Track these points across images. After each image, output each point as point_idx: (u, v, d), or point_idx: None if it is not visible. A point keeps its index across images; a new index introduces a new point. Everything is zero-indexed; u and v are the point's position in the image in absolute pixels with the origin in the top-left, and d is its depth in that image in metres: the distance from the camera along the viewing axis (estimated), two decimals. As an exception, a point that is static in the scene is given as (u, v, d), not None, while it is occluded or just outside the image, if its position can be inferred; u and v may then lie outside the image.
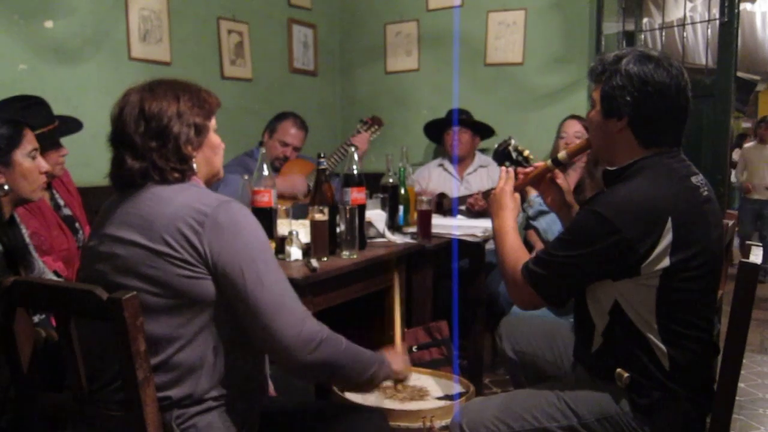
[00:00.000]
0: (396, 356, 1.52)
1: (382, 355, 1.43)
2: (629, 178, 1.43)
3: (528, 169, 1.76)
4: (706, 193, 1.44)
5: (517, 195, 1.70)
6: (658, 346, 1.39)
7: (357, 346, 1.33)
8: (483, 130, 3.52)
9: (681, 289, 1.38)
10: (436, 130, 3.60)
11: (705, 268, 1.39)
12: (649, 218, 1.34)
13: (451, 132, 3.42)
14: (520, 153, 1.76)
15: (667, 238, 1.34)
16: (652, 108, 1.41)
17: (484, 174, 3.45)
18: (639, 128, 1.43)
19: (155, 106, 1.26)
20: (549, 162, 1.71)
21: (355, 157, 2.18)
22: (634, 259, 1.35)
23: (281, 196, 2.41)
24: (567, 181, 1.77)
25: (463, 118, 3.43)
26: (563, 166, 1.72)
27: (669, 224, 1.34)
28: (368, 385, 1.40)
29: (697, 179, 1.44)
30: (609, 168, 1.51)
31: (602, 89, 1.46)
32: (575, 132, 2.70)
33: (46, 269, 1.83)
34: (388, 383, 1.70)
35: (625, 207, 1.36)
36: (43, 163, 1.70)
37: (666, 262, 1.35)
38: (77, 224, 2.28)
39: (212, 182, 1.41)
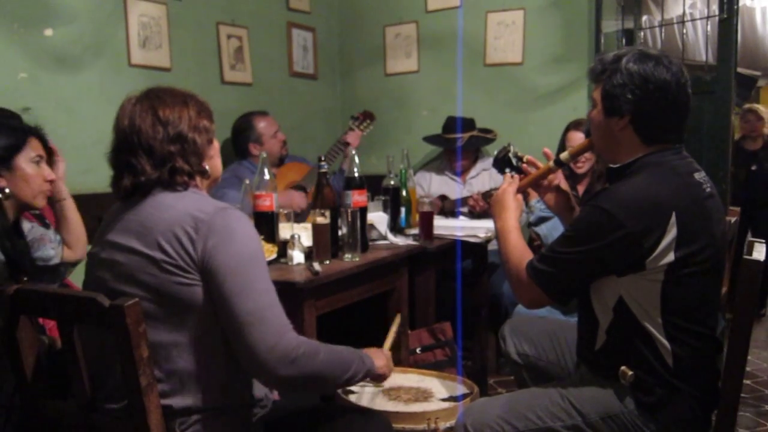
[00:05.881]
0: (378, 354, 1.50)
1: (360, 352, 1.41)
2: (632, 175, 1.43)
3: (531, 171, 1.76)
4: (708, 189, 1.44)
5: (520, 196, 1.70)
6: (662, 343, 1.39)
7: (335, 350, 1.31)
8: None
9: (685, 285, 1.38)
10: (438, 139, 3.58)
11: (709, 263, 1.40)
12: (654, 213, 1.35)
13: (454, 149, 3.39)
14: (520, 159, 1.75)
15: (671, 233, 1.34)
16: (653, 105, 1.42)
17: (486, 177, 3.44)
18: (641, 126, 1.44)
19: (169, 112, 1.27)
20: (551, 163, 1.70)
21: (356, 159, 2.18)
22: (639, 254, 1.35)
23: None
24: (568, 185, 1.77)
25: (470, 141, 3.39)
26: (566, 166, 1.71)
27: (673, 219, 1.34)
28: (347, 383, 1.38)
29: (700, 176, 1.45)
30: (612, 165, 1.51)
31: (603, 88, 1.46)
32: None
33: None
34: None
35: (630, 202, 1.36)
36: (48, 172, 1.70)
37: (671, 256, 1.35)
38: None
39: (212, 186, 1.42)
